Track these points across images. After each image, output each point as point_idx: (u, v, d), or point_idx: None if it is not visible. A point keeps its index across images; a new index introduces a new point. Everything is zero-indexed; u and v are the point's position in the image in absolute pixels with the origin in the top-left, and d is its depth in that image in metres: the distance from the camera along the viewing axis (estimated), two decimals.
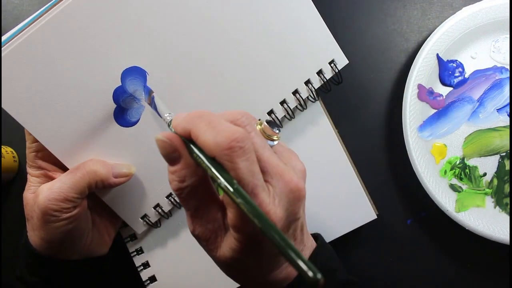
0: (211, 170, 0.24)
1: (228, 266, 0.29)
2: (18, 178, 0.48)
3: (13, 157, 0.47)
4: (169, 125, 0.31)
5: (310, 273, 0.19)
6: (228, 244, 0.27)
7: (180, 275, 0.45)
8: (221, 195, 0.28)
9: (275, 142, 0.29)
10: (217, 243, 0.28)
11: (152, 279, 0.45)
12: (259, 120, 0.29)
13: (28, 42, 0.34)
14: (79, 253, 0.39)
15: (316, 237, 0.35)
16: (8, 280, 0.48)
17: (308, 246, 0.32)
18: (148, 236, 0.45)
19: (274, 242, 0.21)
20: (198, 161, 0.25)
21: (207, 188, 0.28)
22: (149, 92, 0.37)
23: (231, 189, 0.23)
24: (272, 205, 0.25)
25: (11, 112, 0.35)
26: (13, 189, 0.48)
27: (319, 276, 0.19)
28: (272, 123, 0.29)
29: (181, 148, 0.26)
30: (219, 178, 0.24)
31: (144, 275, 0.45)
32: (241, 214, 0.25)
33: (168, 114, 0.32)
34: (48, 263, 0.37)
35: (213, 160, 0.25)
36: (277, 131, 0.29)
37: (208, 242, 0.28)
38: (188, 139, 0.26)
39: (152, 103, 0.36)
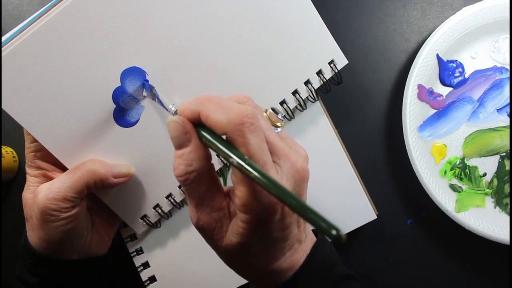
0: (221, 149, 0.24)
1: (233, 255, 0.29)
2: (18, 178, 0.48)
3: (13, 157, 0.47)
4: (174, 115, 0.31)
5: (334, 231, 0.20)
6: (234, 230, 0.27)
7: (180, 275, 0.45)
8: (228, 175, 0.29)
9: (279, 129, 0.30)
10: (222, 232, 0.28)
11: (152, 279, 0.45)
12: (265, 108, 0.30)
13: (28, 42, 0.34)
14: (79, 253, 0.39)
15: (316, 232, 0.35)
16: (8, 280, 0.48)
17: (310, 238, 0.32)
18: (148, 236, 0.45)
19: (293, 207, 0.21)
20: (207, 143, 0.26)
21: (212, 176, 0.28)
22: (150, 88, 0.37)
23: (244, 164, 0.23)
24: (281, 182, 0.26)
25: (11, 112, 0.35)
26: (13, 189, 0.48)
27: (341, 233, 0.20)
28: (275, 111, 0.30)
29: (192, 131, 0.26)
30: (231, 156, 0.24)
31: (144, 275, 0.45)
32: (252, 191, 0.25)
33: (172, 105, 0.32)
34: (47, 263, 0.37)
35: (222, 140, 0.25)
36: (282, 118, 0.30)
37: (214, 232, 0.28)
38: (196, 122, 0.26)
39: (155, 98, 0.36)
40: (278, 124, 0.30)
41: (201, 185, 0.27)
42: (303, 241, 0.31)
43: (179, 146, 0.26)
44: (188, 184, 0.27)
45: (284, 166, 0.27)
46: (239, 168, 0.23)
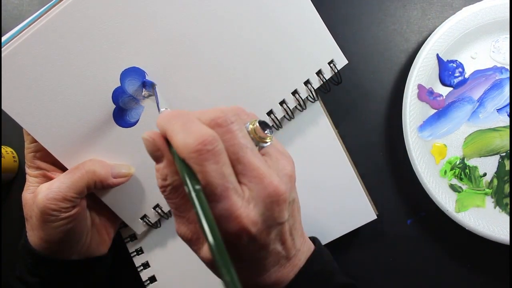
0: (181, 173, 0.24)
1: (212, 267, 0.29)
2: (18, 178, 0.48)
3: (13, 157, 0.47)
4: None
5: None
6: (206, 247, 0.27)
7: (180, 275, 0.45)
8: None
9: (268, 144, 0.28)
10: (199, 244, 0.28)
11: (152, 279, 0.45)
12: (255, 117, 0.29)
13: (28, 43, 0.34)
14: (79, 253, 0.39)
15: (313, 240, 0.34)
16: (8, 280, 0.48)
17: (304, 251, 0.31)
18: (148, 236, 0.45)
19: (216, 261, 0.21)
20: (175, 162, 0.25)
21: None
22: (152, 85, 0.37)
23: (192, 195, 0.23)
24: (245, 209, 0.25)
25: (10, 113, 0.35)
26: (13, 189, 0.48)
27: None
28: (264, 124, 0.28)
29: (163, 147, 0.26)
30: (186, 183, 0.24)
31: (144, 275, 0.45)
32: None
33: (164, 109, 0.32)
34: (47, 263, 0.37)
35: (184, 163, 0.24)
36: (269, 133, 0.28)
37: (191, 243, 0.28)
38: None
39: (155, 97, 0.36)
40: (266, 140, 0.28)
41: (177, 197, 0.27)
42: (293, 256, 0.30)
43: (155, 160, 0.27)
44: (165, 195, 0.27)
45: (254, 189, 0.26)
46: (189, 197, 0.23)
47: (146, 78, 0.37)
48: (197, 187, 0.24)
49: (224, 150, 0.25)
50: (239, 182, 0.26)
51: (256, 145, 0.28)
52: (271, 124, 0.42)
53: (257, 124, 0.27)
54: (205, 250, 0.28)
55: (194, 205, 0.23)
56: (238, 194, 0.25)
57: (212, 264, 0.28)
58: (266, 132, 0.28)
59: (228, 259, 0.21)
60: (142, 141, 0.26)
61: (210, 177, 0.24)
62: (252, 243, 0.26)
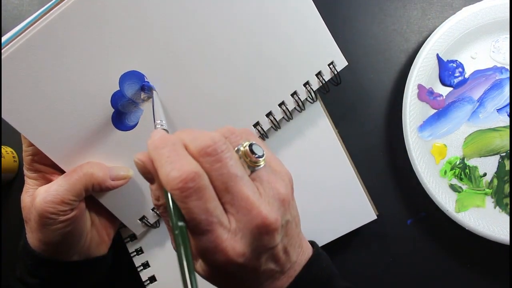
0: (168, 207, 0.25)
1: (206, 279, 0.29)
2: (18, 179, 0.48)
3: (13, 157, 0.47)
4: None
5: None
6: (199, 265, 0.28)
7: (180, 275, 0.45)
8: None
9: (260, 167, 0.28)
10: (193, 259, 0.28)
11: (152, 279, 0.45)
12: (248, 135, 0.29)
13: (24, 47, 0.34)
14: (79, 253, 0.39)
15: (312, 244, 0.34)
16: (8, 281, 0.48)
17: (302, 260, 0.31)
18: (148, 236, 0.45)
19: None
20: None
21: None
22: (150, 89, 0.37)
23: (175, 231, 0.24)
24: (231, 241, 0.25)
25: (7, 118, 0.35)
26: (13, 189, 0.48)
27: None
28: (256, 147, 0.27)
29: (154, 171, 0.26)
30: (171, 218, 0.24)
31: (144, 275, 0.45)
32: (195, 247, 0.26)
33: (159, 121, 0.31)
34: (47, 264, 0.37)
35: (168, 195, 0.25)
36: (260, 157, 0.27)
37: None
38: None
39: (152, 103, 0.36)
40: (259, 163, 0.27)
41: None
42: (288, 269, 0.30)
43: (147, 181, 0.27)
44: (159, 212, 0.28)
45: (241, 220, 0.26)
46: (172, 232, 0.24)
47: (145, 81, 0.37)
48: (180, 223, 0.24)
49: (209, 185, 0.25)
50: (227, 211, 0.26)
51: (248, 168, 0.27)
52: (270, 126, 0.42)
53: (248, 149, 0.27)
54: (198, 267, 0.28)
55: (176, 242, 0.24)
56: (223, 227, 0.25)
57: (206, 279, 0.29)
58: (257, 156, 0.27)
59: None
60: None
61: (193, 214, 0.24)
62: (241, 269, 0.26)
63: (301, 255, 0.31)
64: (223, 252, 0.25)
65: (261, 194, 0.27)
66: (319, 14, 0.39)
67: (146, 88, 0.37)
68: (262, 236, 0.26)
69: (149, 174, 0.27)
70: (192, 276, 0.22)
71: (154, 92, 0.37)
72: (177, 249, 0.23)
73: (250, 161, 0.27)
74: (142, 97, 0.38)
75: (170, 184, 0.24)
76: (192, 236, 0.26)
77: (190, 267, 0.23)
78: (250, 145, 0.27)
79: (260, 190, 0.27)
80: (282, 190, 0.27)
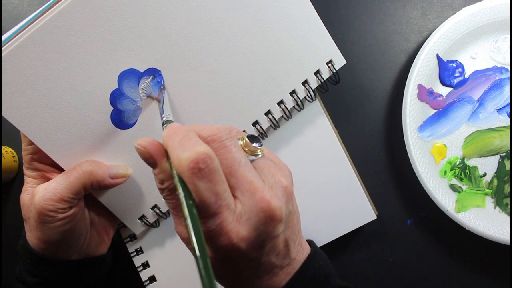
0: (177, 183, 0.25)
1: None
2: (18, 178, 0.48)
3: (13, 157, 0.47)
4: (163, 125, 0.31)
5: None
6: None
7: (180, 275, 0.45)
8: None
9: (259, 156, 0.29)
10: None
11: (152, 279, 0.45)
12: (244, 133, 0.29)
13: (23, 46, 0.34)
14: (78, 253, 0.39)
15: (309, 243, 0.34)
16: (8, 280, 0.48)
17: (301, 258, 0.32)
18: (148, 236, 0.45)
19: (200, 275, 0.22)
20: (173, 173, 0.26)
21: None
22: (161, 88, 0.37)
23: (184, 207, 0.24)
24: (236, 224, 0.26)
25: (7, 116, 0.35)
26: (13, 189, 0.48)
27: None
28: (252, 137, 0.29)
29: (156, 155, 0.27)
30: (179, 192, 0.25)
31: (144, 275, 0.45)
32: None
33: (165, 115, 0.33)
34: (47, 263, 0.37)
35: (179, 177, 0.25)
36: (258, 145, 0.29)
37: (187, 242, 0.29)
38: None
39: (160, 100, 0.36)
40: (256, 152, 0.29)
41: (174, 199, 0.28)
42: (286, 265, 0.30)
43: (150, 166, 0.28)
44: (163, 196, 0.28)
45: (247, 203, 0.26)
46: (182, 211, 0.24)
47: (160, 74, 0.37)
48: (190, 202, 0.24)
49: (220, 168, 0.25)
50: (233, 195, 0.26)
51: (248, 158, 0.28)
52: (269, 125, 0.42)
53: (246, 139, 0.28)
54: None
55: (185, 219, 0.24)
56: (230, 210, 0.26)
57: None
58: (255, 144, 0.28)
59: (212, 274, 0.21)
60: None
61: (203, 196, 0.24)
62: (243, 256, 0.27)
63: (300, 253, 0.32)
64: (227, 235, 0.25)
65: (264, 181, 0.27)
66: (316, 12, 0.40)
67: (160, 85, 0.37)
68: (266, 220, 0.26)
69: (151, 158, 0.27)
70: (204, 253, 0.22)
71: (164, 91, 0.37)
72: (186, 227, 0.23)
73: (250, 150, 0.28)
74: (141, 95, 0.38)
75: (182, 165, 0.24)
76: (199, 219, 0.26)
77: (202, 243, 0.23)
78: (248, 136, 0.29)
79: (263, 177, 0.28)
80: (283, 179, 0.28)
